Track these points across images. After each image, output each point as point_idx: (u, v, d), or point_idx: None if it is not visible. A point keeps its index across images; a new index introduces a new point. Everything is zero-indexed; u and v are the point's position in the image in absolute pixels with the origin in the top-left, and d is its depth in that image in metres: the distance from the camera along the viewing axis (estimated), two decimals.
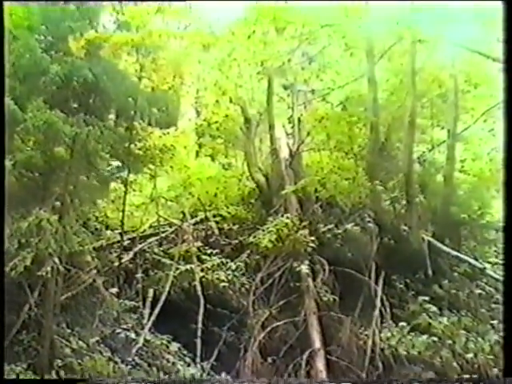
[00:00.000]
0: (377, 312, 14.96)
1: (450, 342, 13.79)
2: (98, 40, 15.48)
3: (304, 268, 15.68)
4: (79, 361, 13.23)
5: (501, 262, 15.13)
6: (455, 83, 17.10)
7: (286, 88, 21.00)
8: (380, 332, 14.49)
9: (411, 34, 16.20)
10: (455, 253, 16.34)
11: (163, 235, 18.44)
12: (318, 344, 14.53)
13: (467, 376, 13.20)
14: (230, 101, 19.51)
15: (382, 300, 15.26)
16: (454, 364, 13.42)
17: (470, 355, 13.43)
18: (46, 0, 16.14)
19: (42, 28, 15.74)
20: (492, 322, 14.18)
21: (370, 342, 14.31)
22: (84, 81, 14.21)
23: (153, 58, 16.95)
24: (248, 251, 16.92)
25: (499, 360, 12.48)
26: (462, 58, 17.25)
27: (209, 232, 18.48)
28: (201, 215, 19.22)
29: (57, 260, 12.83)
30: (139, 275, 16.27)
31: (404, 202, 16.87)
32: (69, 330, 13.93)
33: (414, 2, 14.98)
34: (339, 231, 16.48)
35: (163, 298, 15.60)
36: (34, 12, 15.29)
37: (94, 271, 15.17)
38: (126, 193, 16.85)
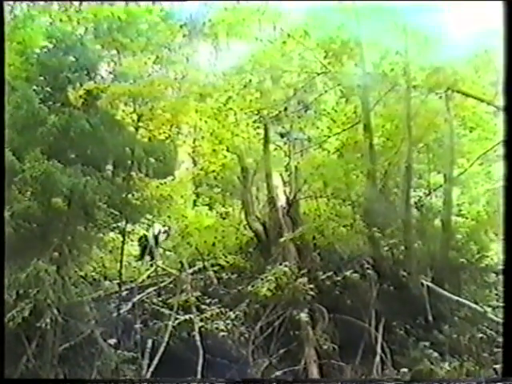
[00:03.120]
0: (378, 359, 14.75)
1: None
2: (95, 90, 15.62)
3: (303, 316, 15.53)
4: None
5: (502, 305, 15.03)
6: (450, 127, 17.19)
7: (282, 136, 21.12)
8: (381, 380, 14.33)
9: (405, 80, 16.41)
10: (455, 297, 16.22)
11: (162, 285, 18.27)
12: None
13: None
14: (227, 150, 19.61)
15: (382, 347, 15.08)
16: None
17: None
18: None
19: (40, 79, 15.91)
20: (495, 366, 13.99)
21: None
22: (81, 131, 14.34)
23: (150, 108, 17.07)
24: (247, 300, 16.71)
25: None
26: (456, 101, 17.44)
27: (207, 281, 18.37)
28: (199, 265, 19.13)
29: (55, 311, 12.79)
30: (138, 326, 16.06)
31: (402, 247, 16.83)
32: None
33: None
34: (338, 278, 16.32)
35: (162, 348, 15.38)
36: (33, 63, 15.45)
37: (93, 322, 15.00)
38: (123, 243, 16.81)
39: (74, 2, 18.74)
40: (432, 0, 15.06)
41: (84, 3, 19.01)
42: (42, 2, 18.25)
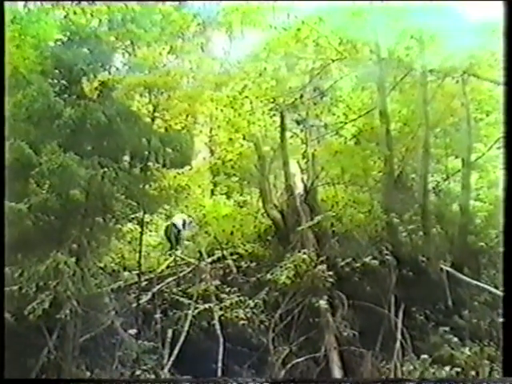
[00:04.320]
0: (398, 345, 14.66)
1: (473, 372, 13.55)
2: (111, 82, 15.65)
3: (323, 303, 15.49)
4: None
5: None
6: (467, 112, 17.07)
7: (298, 123, 21.07)
8: (402, 365, 14.19)
9: (421, 65, 16.31)
10: (475, 282, 16.09)
11: (181, 275, 18.25)
12: None
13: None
14: (244, 138, 19.64)
15: (402, 332, 14.99)
16: None
17: None
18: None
19: (56, 72, 15.97)
20: None
21: (392, 376, 14.10)
22: (97, 123, 14.36)
23: (166, 98, 17.07)
24: (266, 288, 16.70)
25: None
26: (473, 85, 17.33)
27: (226, 270, 18.33)
28: (218, 254, 19.09)
29: (75, 302, 12.82)
30: (158, 316, 16.08)
31: (421, 233, 16.76)
32: (88, 373, 13.77)
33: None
34: (357, 265, 16.22)
35: (182, 337, 15.36)
36: (48, 56, 15.48)
37: (113, 313, 15.04)
38: (142, 233, 16.85)
39: None
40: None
41: None
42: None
